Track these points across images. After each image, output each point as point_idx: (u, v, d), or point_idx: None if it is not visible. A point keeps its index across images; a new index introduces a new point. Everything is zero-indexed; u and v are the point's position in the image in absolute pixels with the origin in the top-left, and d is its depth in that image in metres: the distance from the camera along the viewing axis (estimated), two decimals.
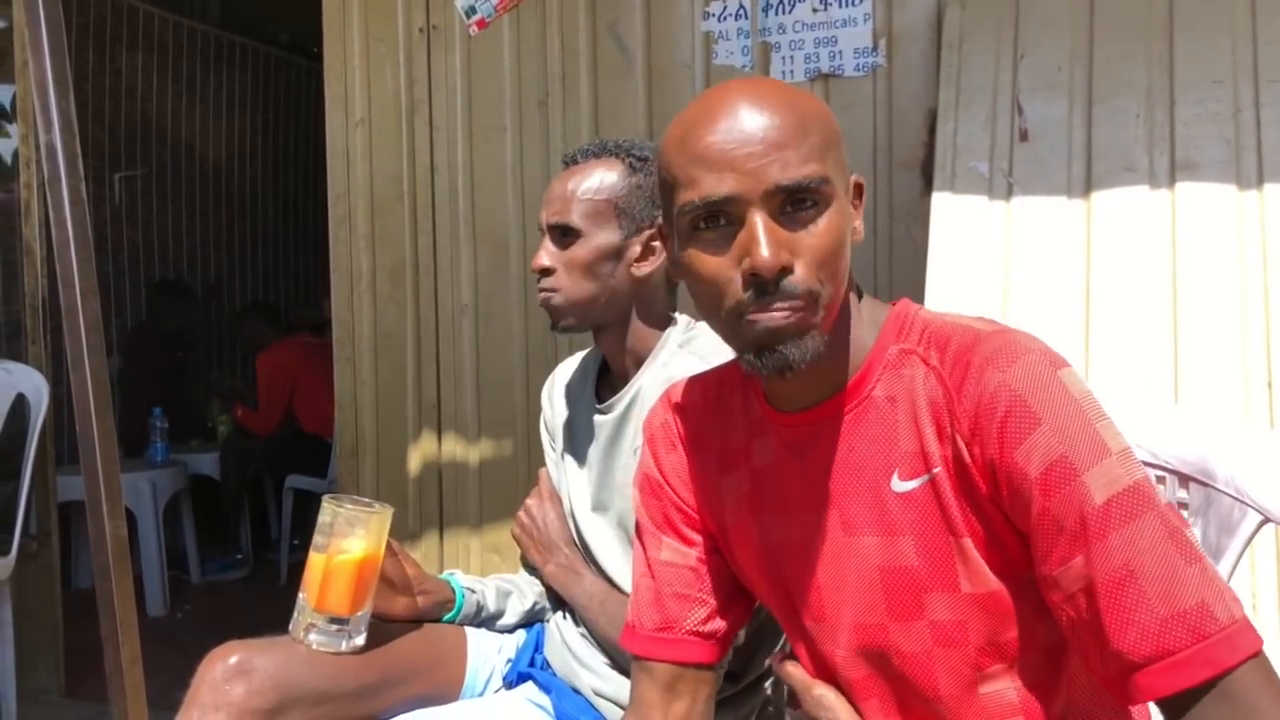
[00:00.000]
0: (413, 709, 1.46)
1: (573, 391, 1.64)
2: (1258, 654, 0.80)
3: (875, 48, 2.33)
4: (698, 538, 1.11)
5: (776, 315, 0.90)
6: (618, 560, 1.50)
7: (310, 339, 4.84)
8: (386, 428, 2.82)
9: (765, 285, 0.89)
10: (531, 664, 1.58)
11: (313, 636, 1.38)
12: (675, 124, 0.95)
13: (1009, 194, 1.95)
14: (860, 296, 1.02)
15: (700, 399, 1.13)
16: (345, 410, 2.85)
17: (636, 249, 1.47)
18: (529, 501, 1.64)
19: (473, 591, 1.60)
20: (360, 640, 1.40)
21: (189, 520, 4.55)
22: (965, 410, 0.90)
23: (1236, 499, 1.11)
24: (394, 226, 2.78)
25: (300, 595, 1.40)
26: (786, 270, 0.90)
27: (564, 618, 1.58)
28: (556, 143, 2.56)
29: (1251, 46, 1.86)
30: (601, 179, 1.47)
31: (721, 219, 0.92)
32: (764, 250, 0.88)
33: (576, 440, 1.60)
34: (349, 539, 1.38)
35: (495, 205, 2.67)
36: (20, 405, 3.03)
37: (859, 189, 1.00)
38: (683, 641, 1.09)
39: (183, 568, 4.56)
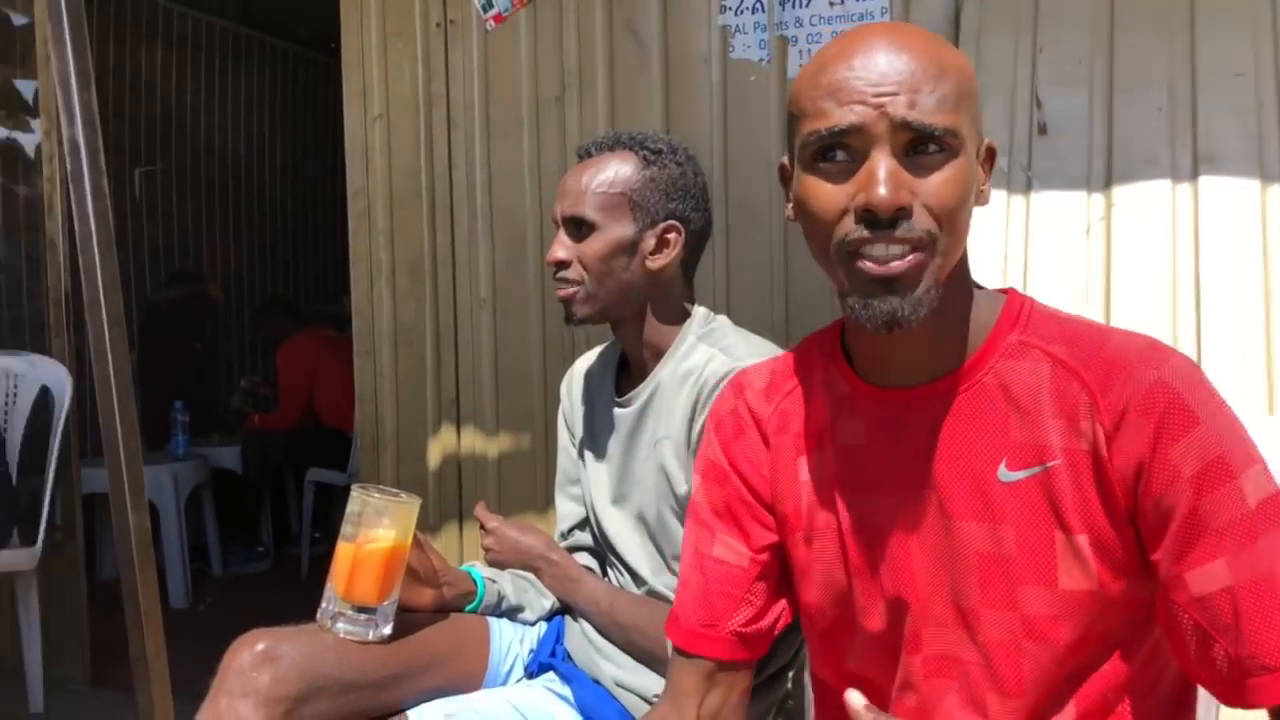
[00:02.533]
0: (436, 698, 1.47)
1: (592, 385, 1.65)
2: None
3: None
4: (757, 531, 1.08)
5: (891, 257, 0.86)
6: (637, 552, 1.51)
7: (330, 333, 4.85)
8: (406, 421, 2.83)
9: (879, 223, 0.85)
10: (553, 654, 1.59)
11: (340, 625, 1.39)
12: (811, 60, 0.93)
13: (1028, 188, 1.94)
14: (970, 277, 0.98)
15: (771, 383, 1.09)
16: (365, 404, 2.86)
17: (651, 241, 1.48)
18: (485, 539, 1.63)
19: (493, 582, 1.61)
20: (387, 630, 1.41)
21: (211, 513, 4.57)
22: (1111, 405, 0.87)
23: None
24: (412, 221, 2.79)
25: (328, 584, 1.41)
26: (904, 211, 0.85)
27: None
28: (573, 137, 2.56)
29: (1273, 39, 1.85)
30: (616, 171, 1.48)
31: (843, 152, 0.88)
32: (882, 187, 0.84)
33: (596, 434, 1.60)
34: (377, 528, 1.39)
35: (512, 200, 2.67)
36: (45, 398, 3.07)
37: (991, 154, 0.96)
38: (725, 640, 1.08)
39: (205, 560, 4.59)
